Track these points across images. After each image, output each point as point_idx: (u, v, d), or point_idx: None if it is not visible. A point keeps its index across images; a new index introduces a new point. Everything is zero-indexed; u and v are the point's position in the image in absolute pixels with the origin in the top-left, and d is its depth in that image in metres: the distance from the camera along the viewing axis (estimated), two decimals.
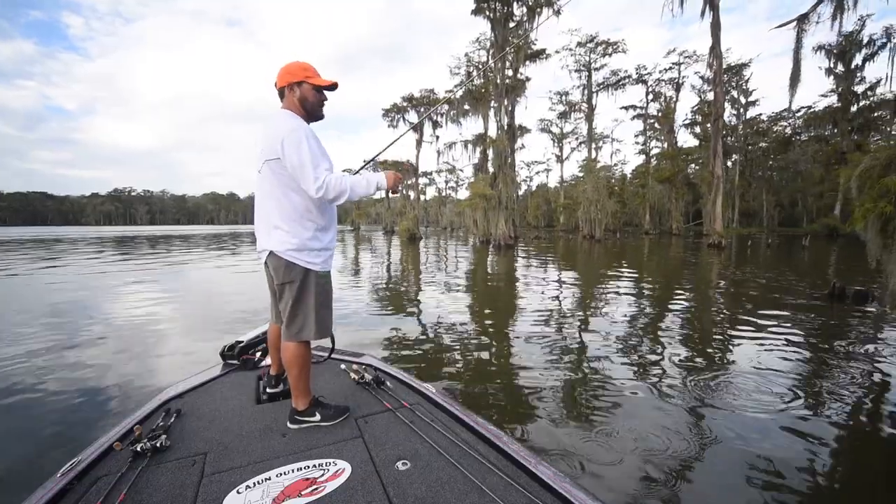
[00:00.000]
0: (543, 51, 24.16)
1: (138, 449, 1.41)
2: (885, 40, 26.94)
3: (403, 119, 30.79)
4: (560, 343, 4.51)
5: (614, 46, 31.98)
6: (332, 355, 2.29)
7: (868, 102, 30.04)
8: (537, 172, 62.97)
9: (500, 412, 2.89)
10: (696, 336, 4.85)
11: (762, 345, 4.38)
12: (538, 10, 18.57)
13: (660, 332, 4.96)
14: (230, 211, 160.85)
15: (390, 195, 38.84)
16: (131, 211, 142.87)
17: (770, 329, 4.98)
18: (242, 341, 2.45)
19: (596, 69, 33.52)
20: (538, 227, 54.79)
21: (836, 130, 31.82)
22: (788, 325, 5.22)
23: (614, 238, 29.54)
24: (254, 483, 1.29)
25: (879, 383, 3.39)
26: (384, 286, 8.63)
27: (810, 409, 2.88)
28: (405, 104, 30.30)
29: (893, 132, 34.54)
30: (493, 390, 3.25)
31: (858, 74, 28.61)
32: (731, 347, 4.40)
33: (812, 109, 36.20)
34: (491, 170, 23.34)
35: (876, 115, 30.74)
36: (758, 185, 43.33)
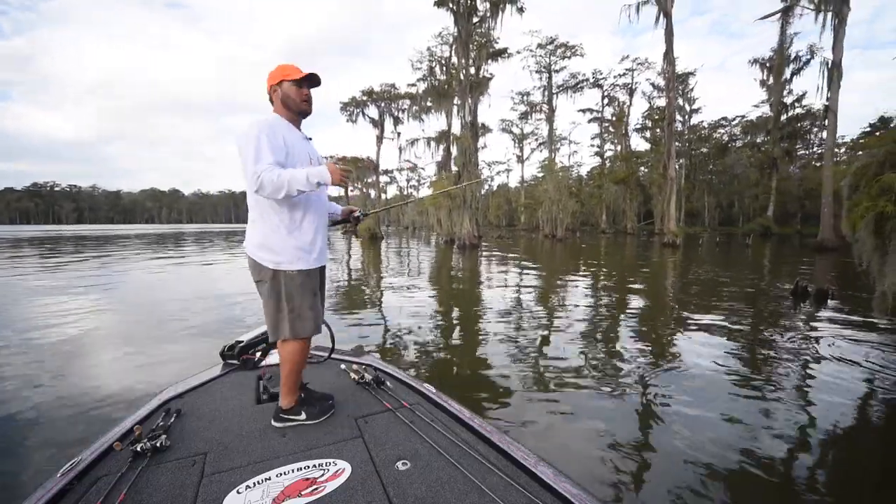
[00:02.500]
0: (505, 50, 24.05)
1: (138, 449, 1.40)
2: (809, 56, 29.68)
3: (363, 113, 29.63)
4: (544, 341, 4.48)
5: (572, 50, 32.73)
6: (332, 355, 2.30)
7: (795, 113, 32.96)
8: (498, 172, 63.54)
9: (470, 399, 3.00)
10: (676, 335, 4.75)
11: (735, 343, 4.46)
12: (501, 5, 18.34)
13: (645, 333, 4.78)
14: (172, 209, 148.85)
15: (349, 193, 37.38)
16: (55, 208, 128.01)
17: (742, 327, 5.14)
18: (242, 341, 2.42)
19: (556, 71, 34.18)
20: (500, 227, 55.30)
21: (768, 138, 34.59)
22: (760, 323, 5.34)
23: (574, 237, 30.21)
24: (254, 483, 1.28)
25: (853, 379, 3.47)
26: (347, 291, 7.82)
27: (781, 405, 2.98)
28: (364, 98, 29.14)
29: (814, 140, 38.35)
30: (466, 387, 3.35)
31: (788, 87, 31.21)
32: (706, 345, 4.41)
33: (745, 118, 39.52)
34: (454, 168, 22.89)
35: (799, 125, 33.88)
36: (700, 188, 46.44)
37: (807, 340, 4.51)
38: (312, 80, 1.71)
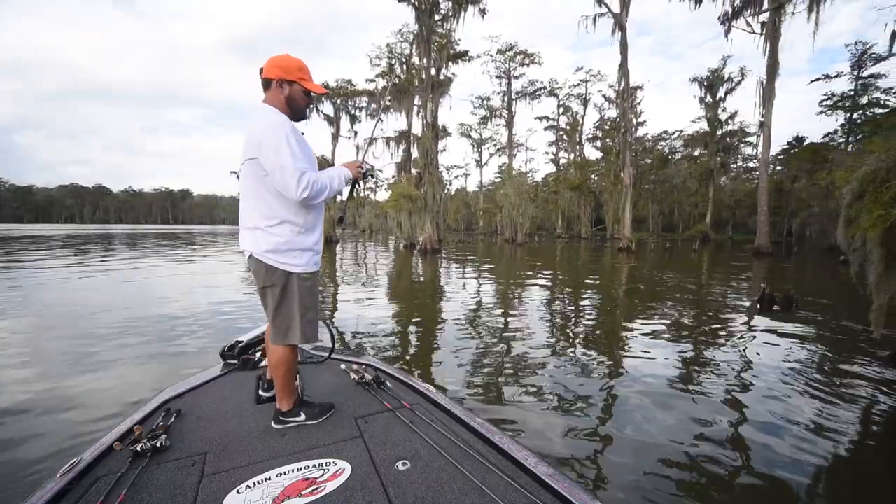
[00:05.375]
0: (466, 52, 23.77)
1: (138, 449, 1.40)
2: (740, 78, 32.52)
3: (317, 109, 27.97)
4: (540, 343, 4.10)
5: (531, 58, 33.36)
6: (332, 355, 2.33)
7: (728, 129, 35.95)
8: (456, 176, 63.64)
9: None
10: (653, 342, 4.56)
11: (709, 350, 4.48)
12: (464, 4, 17.98)
13: (633, 339, 4.54)
14: (98, 207, 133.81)
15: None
16: None
17: (714, 336, 5.04)
18: (242, 341, 2.41)
19: (515, 77, 34.63)
20: (458, 231, 55.27)
21: (706, 151, 37.42)
22: (732, 330, 5.39)
23: (533, 242, 30.57)
24: (254, 483, 1.28)
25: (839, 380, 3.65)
26: None
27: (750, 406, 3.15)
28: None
29: (743, 155, 42.13)
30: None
31: (722, 104, 33.93)
32: (686, 352, 4.42)
33: (684, 132, 42.81)
34: (414, 170, 22.15)
35: (729, 140, 37.06)
36: (644, 196, 49.37)
37: (782, 347, 4.55)
38: (321, 96, 1.53)
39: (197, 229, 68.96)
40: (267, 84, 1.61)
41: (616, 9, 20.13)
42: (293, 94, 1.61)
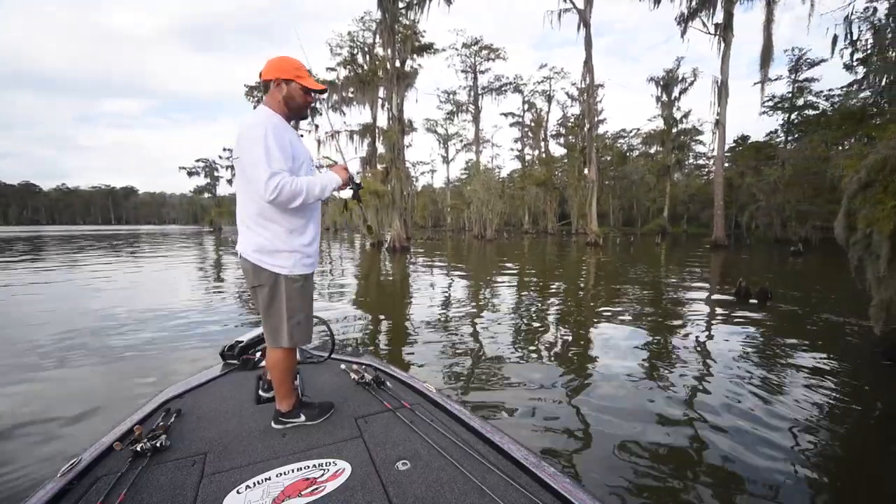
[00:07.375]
0: (432, 45, 23.10)
1: (138, 449, 1.40)
2: (693, 79, 34.12)
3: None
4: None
5: (496, 53, 33.22)
6: (332, 355, 2.33)
7: (682, 127, 37.69)
8: (423, 173, 62.77)
9: None
10: (659, 339, 4.34)
11: (693, 343, 4.42)
12: None
13: (613, 334, 4.27)
14: (26, 207, 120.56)
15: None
16: None
17: (697, 328, 5.05)
18: (242, 341, 2.41)
19: (481, 72, 34.38)
20: (426, 227, 54.61)
21: (662, 148, 39.08)
22: (715, 323, 5.35)
23: (501, 238, 30.53)
24: (254, 483, 1.28)
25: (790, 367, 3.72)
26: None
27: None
28: None
29: (695, 152, 44.42)
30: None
31: (677, 103, 35.47)
32: (685, 339, 4.53)
33: (640, 130, 44.62)
34: (380, 165, 21.27)
35: (683, 138, 38.94)
36: (605, 191, 50.97)
37: (766, 341, 4.50)
38: (324, 93, 1.69)
39: (145, 229, 64.02)
40: (266, 86, 1.63)
41: (580, 4, 20.25)
42: (291, 93, 1.61)
